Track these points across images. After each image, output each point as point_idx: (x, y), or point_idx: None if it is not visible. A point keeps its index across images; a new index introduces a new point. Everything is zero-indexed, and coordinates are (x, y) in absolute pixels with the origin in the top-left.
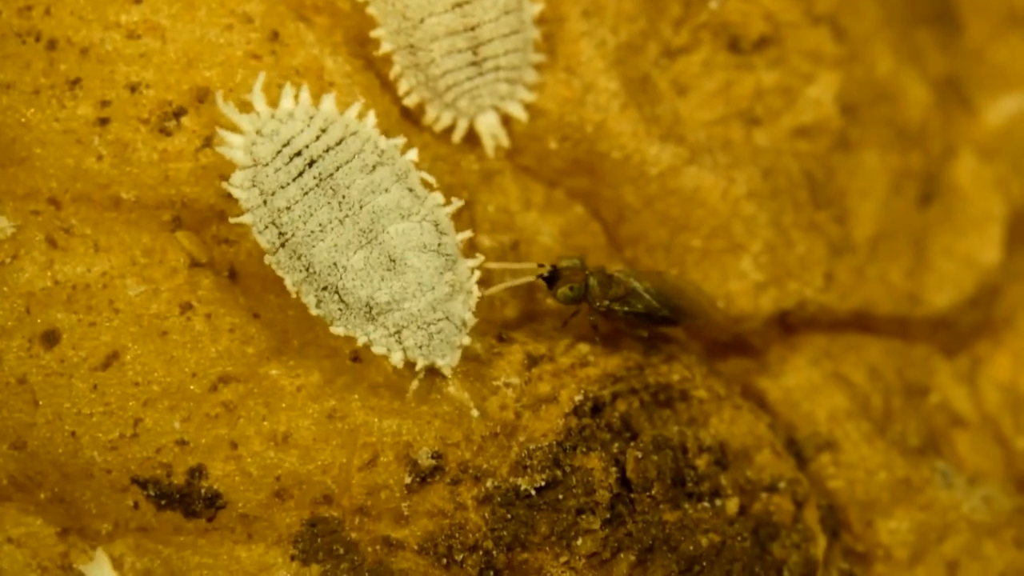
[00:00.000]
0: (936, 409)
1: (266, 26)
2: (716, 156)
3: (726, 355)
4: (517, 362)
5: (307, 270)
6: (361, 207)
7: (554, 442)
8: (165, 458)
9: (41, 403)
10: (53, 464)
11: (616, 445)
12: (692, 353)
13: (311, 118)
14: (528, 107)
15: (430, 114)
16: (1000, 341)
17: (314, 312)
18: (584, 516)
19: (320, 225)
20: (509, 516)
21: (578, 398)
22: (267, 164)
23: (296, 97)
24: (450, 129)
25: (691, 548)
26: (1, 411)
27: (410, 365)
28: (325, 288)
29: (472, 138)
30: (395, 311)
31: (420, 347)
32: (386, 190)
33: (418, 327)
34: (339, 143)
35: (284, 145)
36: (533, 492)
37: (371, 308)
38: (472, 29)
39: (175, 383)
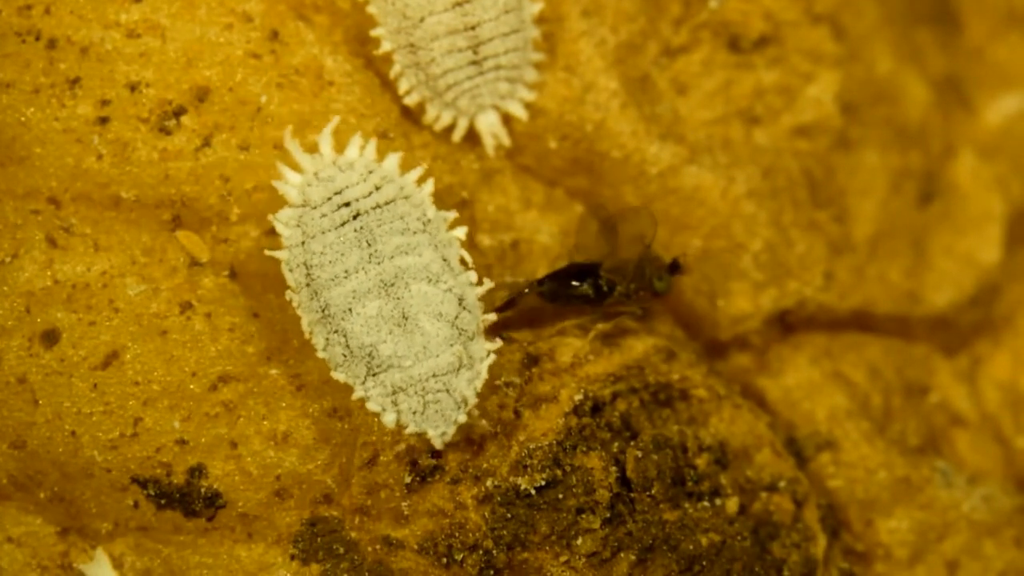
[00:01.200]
0: (936, 408)
1: (266, 25)
2: (716, 155)
3: (726, 355)
4: (517, 362)
5: (323, 311)
6: (390, 261)
7: (554, 441)
8: (165, 457)
9: (41, 402)
10: (53, 463)
11: (616, 444)
12: (692, 353)
13: (370, 172)
14: (528, 106)
15: (430, 113)
16: (1000, 340)
17: (320, 355)
18: (584, 515)
19: (345, 270)
20: (509, 515)
21: (578, 397)
22: (315, 207)
23: (362, 149)
24: (450, 128)
25: (691, 547)
26: (1, 410)
27: (402, 427)
28: (336, 331)
29: (472, 137)
30: (395, 369)
31: (414, 412)
32: (419, 254)
33: (415, 392)
34: (389, 203)
35: (336, 193)
36: (533, 491)
37: (372, 358)
38: (472, 28)
39: (175, 382)
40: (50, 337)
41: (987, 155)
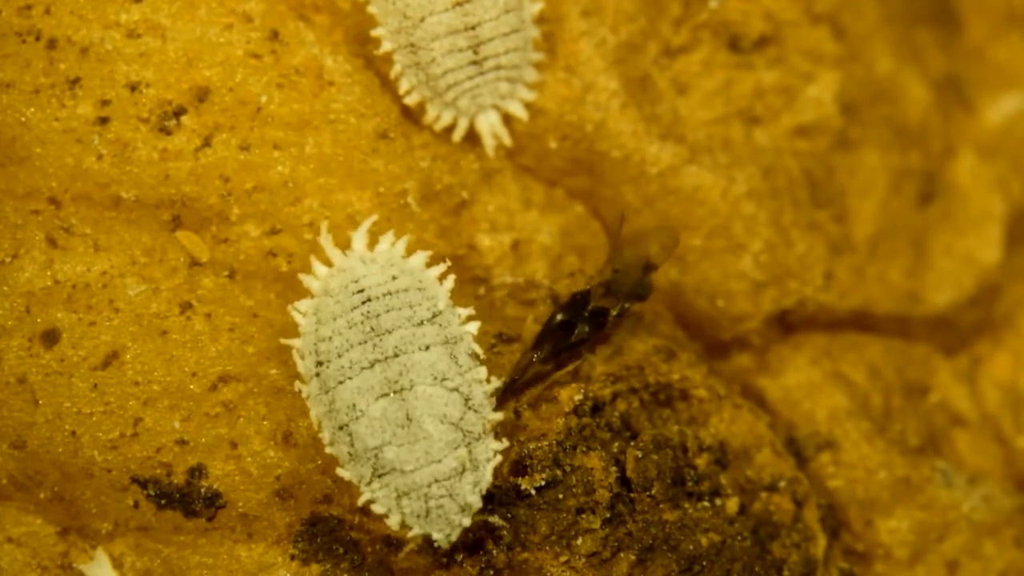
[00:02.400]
0: (936, 408)
1: (266, 25)
2: (716, 155)
3: (726, 355)
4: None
5: (330, 405)
6: (395, 356)
7: (554, 441)
8: (165, 458)
9: (41, 402)
10: (53, 463)
11: (616, 444)
12: (692, 353)
13: (391, 265)
14: (528, 106)
15: (430, 113)
16: (1000, 340)
17: (328, 450)
18: (584, 516)
19: (351, 363)
20: (509, 515)
21: (578, 397)
22: (332, 296)
23: (393, 244)
24: (450, 128)
25: (691, 547)
26: (1, 411)
27: (407, 529)
28: (341, 428)
29: (472, 137)
30: (397, 473)
31: (417, 516)
32: (426, 347)
33: (418, 496)
34: (400, 291)
35: (354, 281)
36: (533, 492)
37: (377, 460)
38: (473, 28)
39: (175, 383)
40: (50, 337)
41: (987, 155)
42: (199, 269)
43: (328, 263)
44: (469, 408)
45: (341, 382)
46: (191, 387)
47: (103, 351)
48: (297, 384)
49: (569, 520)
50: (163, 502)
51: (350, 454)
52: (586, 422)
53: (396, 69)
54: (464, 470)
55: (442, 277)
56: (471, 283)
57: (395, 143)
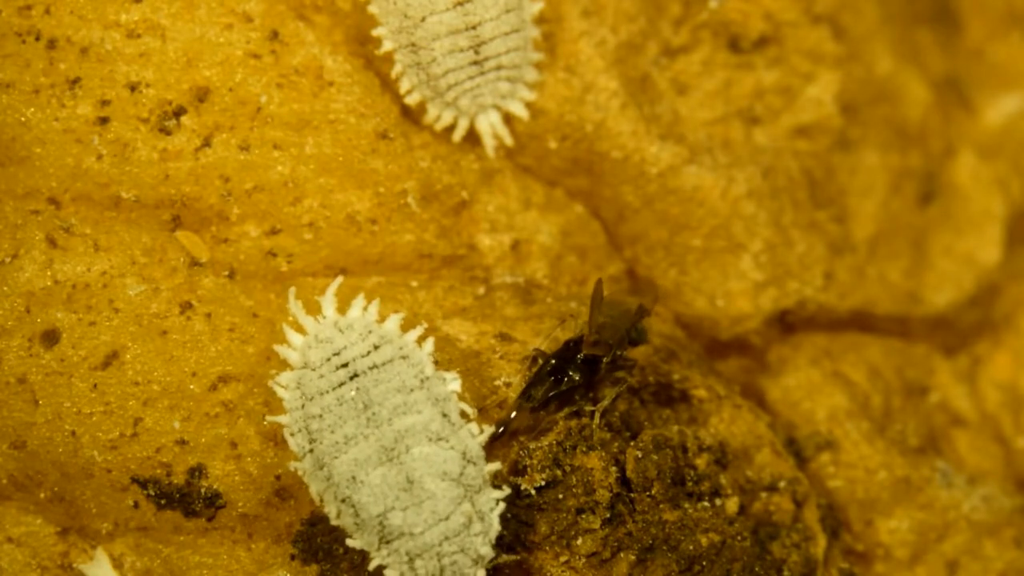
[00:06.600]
0: (936, 408)
1: (266, 25)
2: (716, 155)
3: (726, 355)
4: (517, 361)
5: (328, 480)
6: (389, 424)
7: (554, 441)
8: (165, 458)
9: (41, 402)
10: (53, 463)
11: (616, 444)
12: (692, 353)
13: (369, 332)
14: (528, 106)
15: (431, 113)
16: (1000, 340)
17: (334, 522)
18: (584, 516)
19: (346, 437)
20: (509, 515)
21: (578, 397)
22: (314, 369)
23: (365, 308)
24: (450, 128)
25: (691, 547)
26: (1, 411)
27: None
28: (343, 501)
29: (472, 137)
30: (407, 537)
31: (432, 575)
32: (419, 411)
33: (431, 556)
34: (386, 363)
35: (335, 354)
36: (533, 492)
37: (383, 527)
38: (473, 28)
39: (175, 383)
40: (50, 337)
41: (987, 155)
42: (199, 269)
43: (301, 330)
44: (467, 462)
45: (336, 456)
46: (191, 387)
47: (103, 351)
48: (292, 463)
49: (569, 520)
50: (163, 502)
51: (356, 524)
52: (586, 422)
53: (397, 69)
54: (471, 522)
55: (420, 340)
56: (471, 283)
57: (395, 143)
